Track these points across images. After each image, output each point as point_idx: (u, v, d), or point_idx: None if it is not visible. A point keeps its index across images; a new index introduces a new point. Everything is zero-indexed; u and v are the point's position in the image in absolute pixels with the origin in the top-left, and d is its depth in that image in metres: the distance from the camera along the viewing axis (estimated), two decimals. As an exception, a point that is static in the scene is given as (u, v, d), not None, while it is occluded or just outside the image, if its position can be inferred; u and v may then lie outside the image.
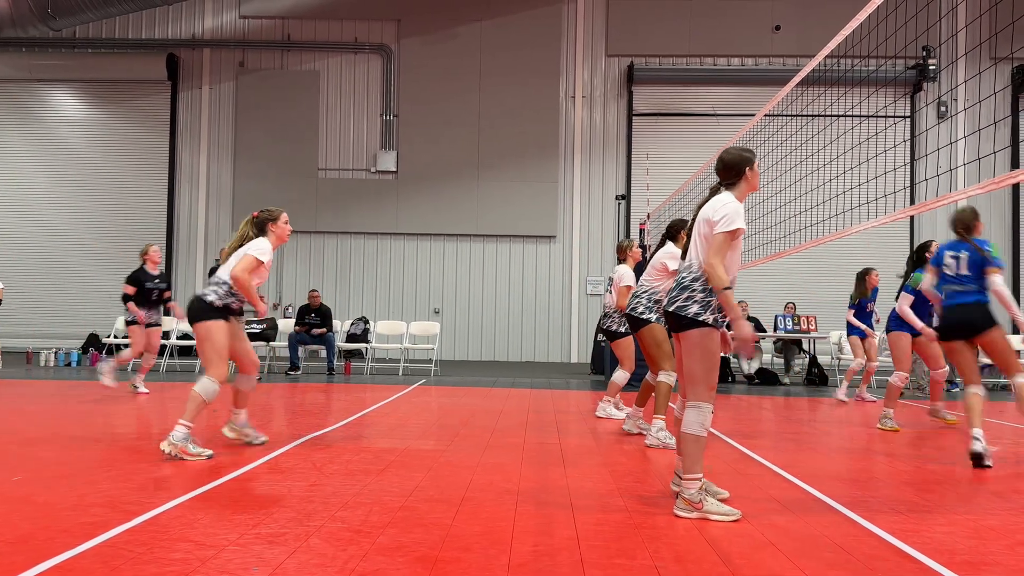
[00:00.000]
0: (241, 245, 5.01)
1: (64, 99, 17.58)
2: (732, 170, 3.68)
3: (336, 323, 13.01)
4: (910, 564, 2.81)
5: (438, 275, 17.08)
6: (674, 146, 16.74)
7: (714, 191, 3.76)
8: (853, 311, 9.54)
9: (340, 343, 12.95)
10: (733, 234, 3.51)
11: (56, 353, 13.31)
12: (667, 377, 5.61)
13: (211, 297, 4.80)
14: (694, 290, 3.56)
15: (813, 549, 2.96)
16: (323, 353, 12.60)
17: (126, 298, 8.54)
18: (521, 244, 17.04)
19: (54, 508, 3.36)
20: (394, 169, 17.06)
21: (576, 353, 16.80)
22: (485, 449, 5.18)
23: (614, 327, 6.91)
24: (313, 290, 12.97)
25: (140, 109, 17.47)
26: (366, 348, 13.32)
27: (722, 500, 3.61)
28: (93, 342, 15.33)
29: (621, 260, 6.91)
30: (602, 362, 12.22)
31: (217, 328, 4.75)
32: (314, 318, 12.30)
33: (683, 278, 3.66)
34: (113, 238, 17.21)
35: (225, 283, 4.85)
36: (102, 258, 17.16)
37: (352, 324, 13.54)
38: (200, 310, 4.79)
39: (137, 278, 8.56)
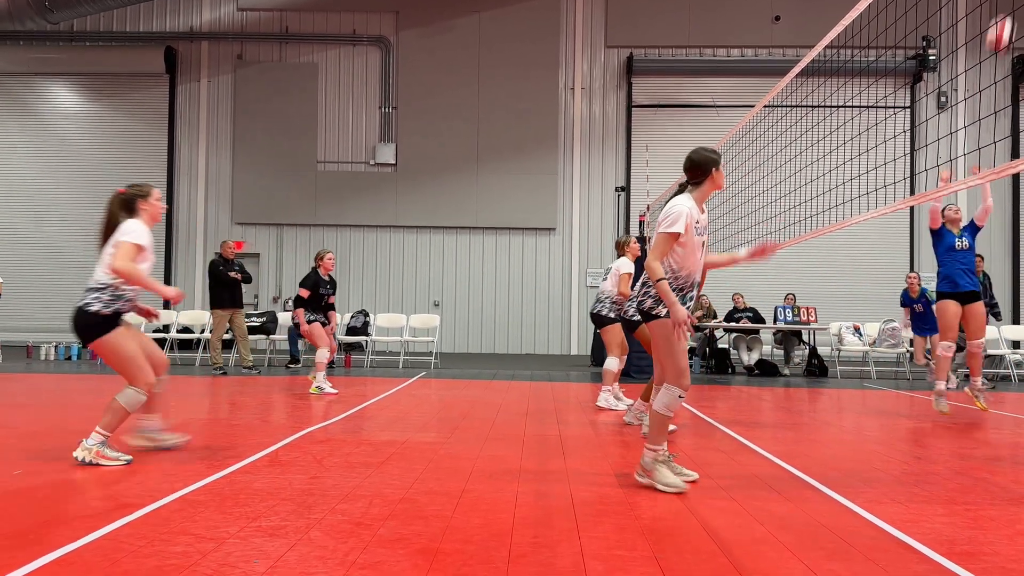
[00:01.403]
0: (110, 231, 4.33)
1: (62, 92, 17.54)
2: (699, 169, 3.89)
3: (336, 316, 12.99)
4: (910, 554, 2.81)
5: (438, 268, 17.08)
6: (674, 137, 16.69)
7: (681, 188, 3.99)
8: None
9: (340, 336, 12.95)
10: (672, 236, 3.75)
11: (56, 347, 13.32)
12: None
13: (95, 307, 4.14)
14: (649, 286, 3.85)
15: (813, 540, 2.97)
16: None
17: (299, 302, 8.40)
18: (521, 236, 17.02)
19: (54, 502, 3.36)
20: (393, 162, 17.03)
21: (576, 345, 16.81)
22: (485, 441, 5.18)
23: (604, 312, 7.08)
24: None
25: (138, 102, 17.43)
26: (366, 341, 13.32)
27: (690, 482, 3.85)
28: (93, 336, 15.32)
29: (620, 255, 7.11)
30: (602, 354, 12.21)
31: (116, 339, 4.19)
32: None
33: (645, 277, 3.91)
34: (112, 232, 17.20)
35: (106, 286, 4.19)
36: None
37: (352, 317, 13.53)
38: (88, 326, 4.15)
39: (315, 283, 8.48)
